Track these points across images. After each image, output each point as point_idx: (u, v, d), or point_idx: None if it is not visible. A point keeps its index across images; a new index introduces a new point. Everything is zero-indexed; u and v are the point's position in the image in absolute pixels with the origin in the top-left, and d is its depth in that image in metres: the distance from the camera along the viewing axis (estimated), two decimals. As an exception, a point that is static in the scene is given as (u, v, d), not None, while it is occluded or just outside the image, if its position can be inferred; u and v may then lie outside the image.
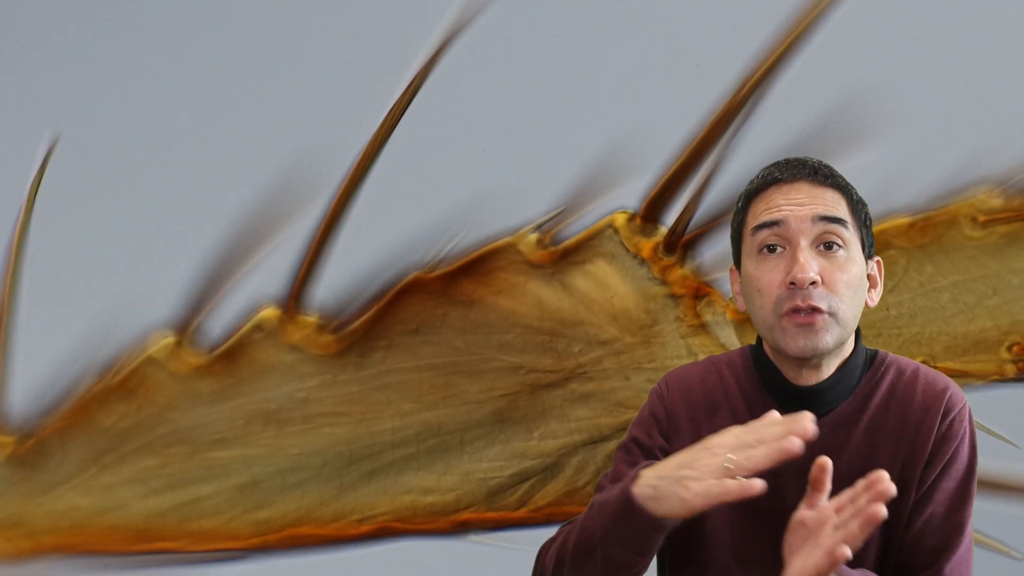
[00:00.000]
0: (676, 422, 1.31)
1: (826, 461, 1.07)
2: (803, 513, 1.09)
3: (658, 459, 1.28)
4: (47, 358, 2.18)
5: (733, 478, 1.03)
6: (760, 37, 2.06)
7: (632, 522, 1.10)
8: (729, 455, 1.04)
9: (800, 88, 2.05)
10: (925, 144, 2.03)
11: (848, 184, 1.29)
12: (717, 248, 2.07)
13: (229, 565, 2.17)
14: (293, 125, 2.16)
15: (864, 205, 1.29)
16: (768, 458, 1.02)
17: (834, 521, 1.06)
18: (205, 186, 2.18)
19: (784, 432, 1.02)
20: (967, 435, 1.24)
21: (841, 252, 1.22)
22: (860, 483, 1.06)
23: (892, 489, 1.03)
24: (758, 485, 1.01)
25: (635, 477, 1.12)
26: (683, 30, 2.10)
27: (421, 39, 2.14)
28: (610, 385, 2.10)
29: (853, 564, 1.15)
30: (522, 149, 2.12)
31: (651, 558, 1.16)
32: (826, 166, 1.28)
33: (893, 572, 1.22)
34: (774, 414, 1.08)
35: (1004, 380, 2.03)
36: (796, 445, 1.01)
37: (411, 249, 2.14)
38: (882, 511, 1.03)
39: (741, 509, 1.25)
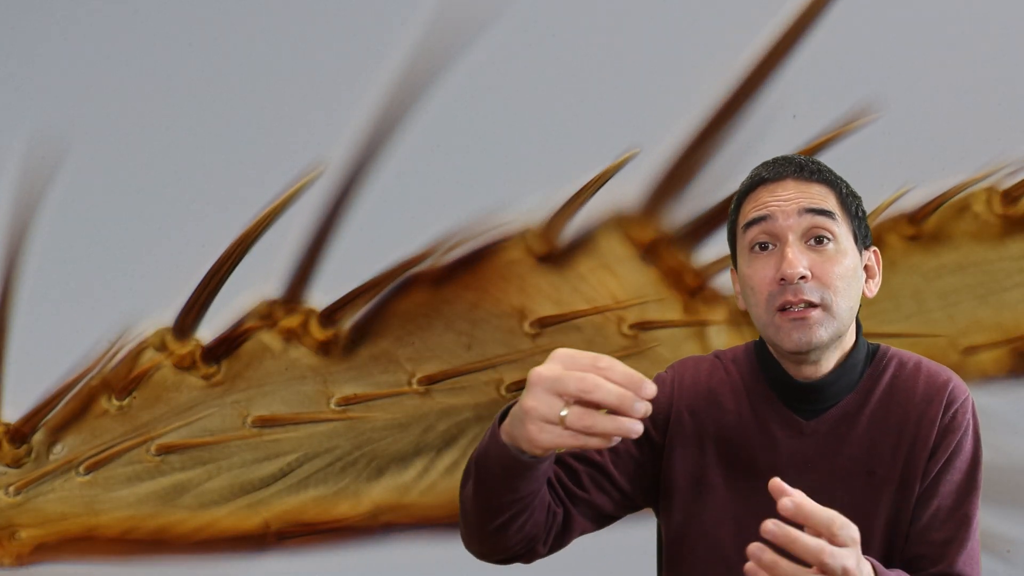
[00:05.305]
0: (678, 412, 1.29)
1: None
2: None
3: (651, 436, 1.27)
4: (46, 353, 2.18)
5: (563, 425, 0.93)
6: (760, 37, 2.08)
7: (497, 452, 1.08)
8: (564, 412, 0.93)
9: (799, 87, 2.07)
10: (925, 142, 2.05)
11: (837, 178, 1.28)
12: (717, 246, 2.08)
13: (229, 565, 2.16)
14: (294, 124, 2.18)
15: (856, 198, 1.28)
16: (607, 432, 0.92)
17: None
18: (205, 183, 2.19)
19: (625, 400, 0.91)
20: (970, 427, 1.24)
21: (831, 245, 1.21)
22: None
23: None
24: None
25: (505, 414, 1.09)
26: (682, 30, 2.12)
27: (422, 39, 2.15)
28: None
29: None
30: (523, 146, 2.13)
31: (521, 505, 1.12)
32: (813, 162, 1.28)
33: (901, 567, 1.21)
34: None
35: (995, 378, 2.05)
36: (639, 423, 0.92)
37: (410, 244, 2.16)
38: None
39: (742, 506, 1.24)
